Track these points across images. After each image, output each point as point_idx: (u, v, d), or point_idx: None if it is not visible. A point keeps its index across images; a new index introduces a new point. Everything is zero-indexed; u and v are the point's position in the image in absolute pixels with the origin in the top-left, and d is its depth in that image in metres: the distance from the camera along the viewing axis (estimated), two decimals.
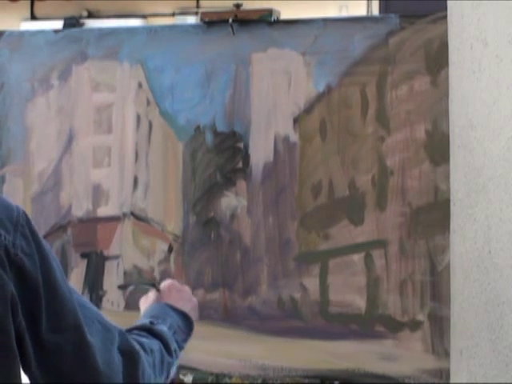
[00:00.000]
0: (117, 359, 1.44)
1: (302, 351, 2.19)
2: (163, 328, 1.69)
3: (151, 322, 1.68)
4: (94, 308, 1.50)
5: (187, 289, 1.87)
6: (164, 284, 1.86)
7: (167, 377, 1.62)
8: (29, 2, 8.51)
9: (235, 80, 2.27)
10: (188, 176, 2.30)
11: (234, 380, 2.23)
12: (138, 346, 1.51)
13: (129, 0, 8.17)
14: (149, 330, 1.64)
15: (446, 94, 2.07)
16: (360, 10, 7.45)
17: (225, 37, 2.27)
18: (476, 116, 1.95)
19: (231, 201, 2.26)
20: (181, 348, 1.75)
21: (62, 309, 1.36)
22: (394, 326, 2.13)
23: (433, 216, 2.11)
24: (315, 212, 2.20)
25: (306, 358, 2.19)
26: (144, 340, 1.58)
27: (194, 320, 1.81)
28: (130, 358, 1.47)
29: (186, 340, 1.79)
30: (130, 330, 1.62)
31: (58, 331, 1.36)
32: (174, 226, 2.30)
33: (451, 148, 2.06)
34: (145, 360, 1.52)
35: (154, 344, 1.61)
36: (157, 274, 2.31)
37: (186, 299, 1.85)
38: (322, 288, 2.19)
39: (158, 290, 1.85)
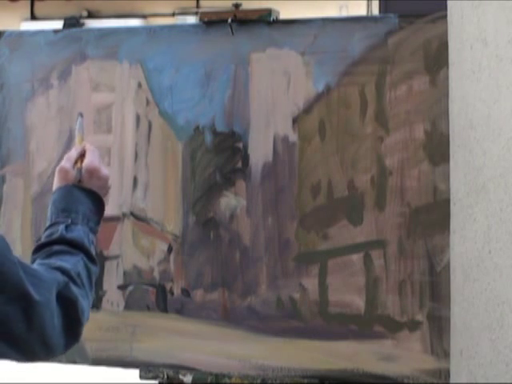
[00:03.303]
0: (57, 314, 1.59)
1: (301, 351, 2.19)
2: (79, 233, 1.76)
3: (67, 227, 1.76)
4: (38, 269, 1.63)
5: (107, 177, 1.89)
6: (88, 167, 1.87)
7: (93, 285, 1.74)
8: (29, 2, 8.52)
9: (234, 80, 2.27)
10: (187, 176, 2.30)
11: (233, 380, 2.23)
12: (75, 291, 1.64)
13: (129, 0, 8.18)
14: (68, 243, 1.73)
15: (445, 94, 2.07)
16: (360, 10, 7.46)
17: (224, 37, 2.27)
18: (476, 116, 1.95)
19: (230, 201, 2.26)
20: (95, 233, 1.83)
21: (6, 282, 1.50)
22: (393, 326, 2.13)
23: (432, 216, 2.11)
24: (314, 212, 2.20)
25: (305, 358, 2.19)
26: (68, 265, 1.67)
27: (104, 198, 1.88)
28: (70, 308, 1.62)
29: (98, 221, 1.85)
30: (50, 244, 1.73)
31: (7, 302, 1.50)
32: (173, 225, 2.30)
33: (451, 148, 2.06)
34: (80, 297, 1.65)
35: (78, 262, 1.71)
36: (156, 274, 2.31)
37: (103, 187, 1.88)
38: (321, 288, 2.19)
39: (80, 173, 1.85)
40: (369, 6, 7.67)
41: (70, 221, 1.78)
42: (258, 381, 2.21)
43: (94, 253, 1.78)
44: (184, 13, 8.10)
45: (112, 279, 2.34)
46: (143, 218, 2.33)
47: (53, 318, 1.58)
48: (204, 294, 2.27)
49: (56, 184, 1.87)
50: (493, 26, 1.89)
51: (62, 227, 1.76)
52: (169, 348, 2.28)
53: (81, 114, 2.04)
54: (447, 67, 2.08)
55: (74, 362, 2.36)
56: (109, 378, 3.86)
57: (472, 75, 1.95)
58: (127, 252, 2.34)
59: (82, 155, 1.90)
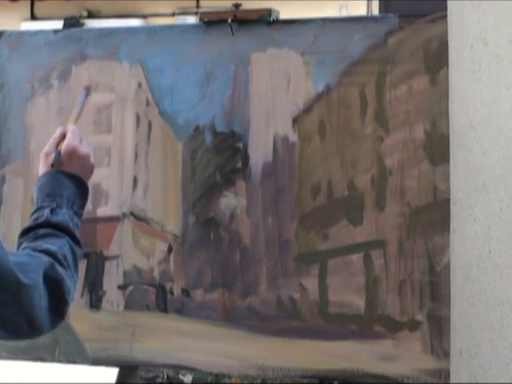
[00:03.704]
0: (43, 295, 1.66)
1: (301, 351, 2.19)
2: (65, 216, 1.83)
3: (52, 211, 1.82)
4: (25, 255, 1.71)
5: (88, 155, 1.95)
6: (66, 149, 1.92)
7: (78, 266, 1.81)
8: (29, 2, 8.51)
9: (234, 80, 2.27)
10: (187, 176, 2.30)
11: (233, 380, 2.23)
12: (60, 272, 1.70)
13: (129, 0, 8.17)
14: (54, 226, 1.80)
15: (445, 94, 2.07)
16: (360, 10, 7.45)
17: (224, 37, 2.27)
18: (476, 116, 1.95)
19: (230, 201, 2.26)
20: (80, 216, 1.89)
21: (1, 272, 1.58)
22: (393, 326, 2.13)
23: (431, 216, 2.11)
24: (314, 212, 2.20)
25: (305, 358, 2.18)
26: (54, 248, 1.74)
27: (87, 182, 1.94)
28: (56, 288, 1.69)
29: (83, 205, 1.91)
30: (36, 228, 1.80)
31: (1, 289, 1.59)
32: (173, 226, 2.30)
33: (451, 148, 2.06)
34: (66, 278, 1.72)
35: (64, 245, 1.78)
36: (156, 274, 2.31)
37: (84, 166, 1.94)
38: (321, 288, 2.19)
39: (59, 156, 1.89)
40: (369, 6, 7.66)
41: (55, 204, 1.84)
42: (258, 381, 2.21)
43: (78, 236, 1.84)
44: (184, 13, 8.09)
45: (112, 279, 2.34)
46: (143, 218, 2.33)
47: (40, 300, 1.65)
48: (204, 294, 2.27)
49: (41, 169, 1.94)
50: (493, 26, 1.89)
51: (47, 211, 1.83)
52: (169, 348, 2.28)
53: (87, 89, 2.09)
54: (447, 67, 2.08)
55: (73, 362, 2.36)
56: (108, 378, 3.86)
57: (472, 75, 1.94)
58: (127, 252, 2.34)
59: (63, 137, 1.95)
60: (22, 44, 2.44)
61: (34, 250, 1.74)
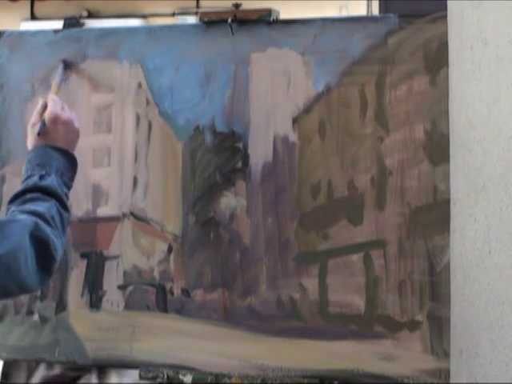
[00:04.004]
0: (30, 255, 1.72)
1: (301, 351, 2.19)
2: (53, 182, 1.90)
3: (41, 177, 1.89)
4: (5, 222, 1.76)
5: (71, 119, 2.02)
6: (49, 116, 1.99)
7: (65, 229, 1.87)
8: (29, 2, 8.50)
9: (234, 80, 2.27)
10: (187, 176, 2.30)
11: (233, 380, 2.23)
12: (46, 230, 1.76)
13: (129, 0, 8.16)
14: (42, 190, 1.87)
15: (445, 94, 2.07)
16: (360, 10, 7.44)
17: (224, 37, 2.27)
18: (476, 116, 1.95)
19: (230, 201, 2.26)
20: (69, 187, 1.97)
21: None
22: (393, 327, 2.13)
23: (431, 216, 2.11)
24: (314, 212, 2.20)
25: (305, 358, 2.19)
26: (42, 209, 1.81)
27: (74, 146, 2.01)
28: (43, 246, 1.75)
29: (72, 177, 1.99)
30: (24, 193, 1.86)
31: None
32: (173, 226, 2.30)
33: (451, 148, 2.06)
34: (53, 236, 1.77)
35: (52, 207, 1.84)
36: (156, 274, 2.31)
37: (70, 131, 2.02)
38: (321, 288, 2.19)
39: (44, 124, 1.97)
40: (369, 6, 7.65)
41: (44, 172, 1.91)
42: (258, 381, 2.21)
43: (66, 202, 1.90)
44: (184, 13, 8.08)
45: (112, 279, 2.34)
46: (143, 218, 2.33)
47: (27, 262, 1.71)
48: (204, 293, 2.27)
49: (29, 141, 2.01)
50: (493, 25, 1.89)
51: (36, 177, 1.90)
52: (169, 348, 2.28)
53: (64, 62, 2.15)
54: (447, 67, 2.08)
55: (74, 361, 2.36)
56: None
57: (472, 75, 1.94)
58: (127, 252, 2.34)
59: (45, 107, 2.04)
60: (22, 44, 2.44)
61: (22, 212, 1.79)
